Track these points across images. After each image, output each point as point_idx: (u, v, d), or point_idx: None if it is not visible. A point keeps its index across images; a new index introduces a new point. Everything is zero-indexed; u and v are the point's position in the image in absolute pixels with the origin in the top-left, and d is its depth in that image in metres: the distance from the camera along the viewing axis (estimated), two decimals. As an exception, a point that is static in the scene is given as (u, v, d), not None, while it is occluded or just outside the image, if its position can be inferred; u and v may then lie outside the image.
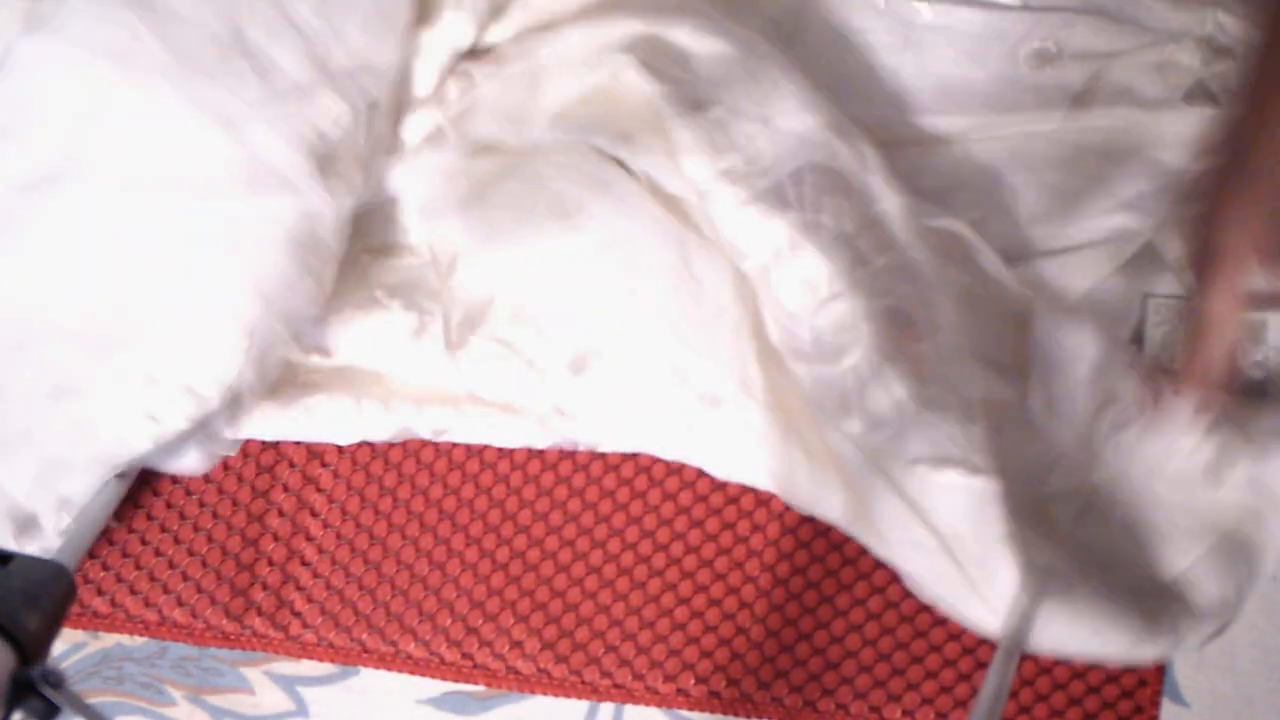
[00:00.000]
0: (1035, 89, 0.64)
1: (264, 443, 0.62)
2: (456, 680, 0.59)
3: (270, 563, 0.61)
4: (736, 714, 0.57)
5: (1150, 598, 0.53)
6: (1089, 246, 0.62)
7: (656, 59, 0.57)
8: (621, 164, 0.58)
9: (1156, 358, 0.60)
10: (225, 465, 0.61)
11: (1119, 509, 0.56)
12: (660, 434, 0.58)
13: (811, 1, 0.65)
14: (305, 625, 0.60)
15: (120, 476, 0.57)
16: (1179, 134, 0.62)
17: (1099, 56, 0.63)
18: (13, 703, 0.40)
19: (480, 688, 0.59)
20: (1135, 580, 0.54)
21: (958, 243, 0.60)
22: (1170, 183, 0.62)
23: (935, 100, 0.64)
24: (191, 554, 0.61)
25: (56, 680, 0.41)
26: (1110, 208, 0.62)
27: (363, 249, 0.62)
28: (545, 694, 0.59)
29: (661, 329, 0.57)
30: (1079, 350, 0.58)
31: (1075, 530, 0.56)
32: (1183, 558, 0.55)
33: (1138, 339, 0.62)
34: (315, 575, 0.60)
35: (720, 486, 0.59)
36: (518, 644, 0.59)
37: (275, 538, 0.61)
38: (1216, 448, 0.55)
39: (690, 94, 0.56)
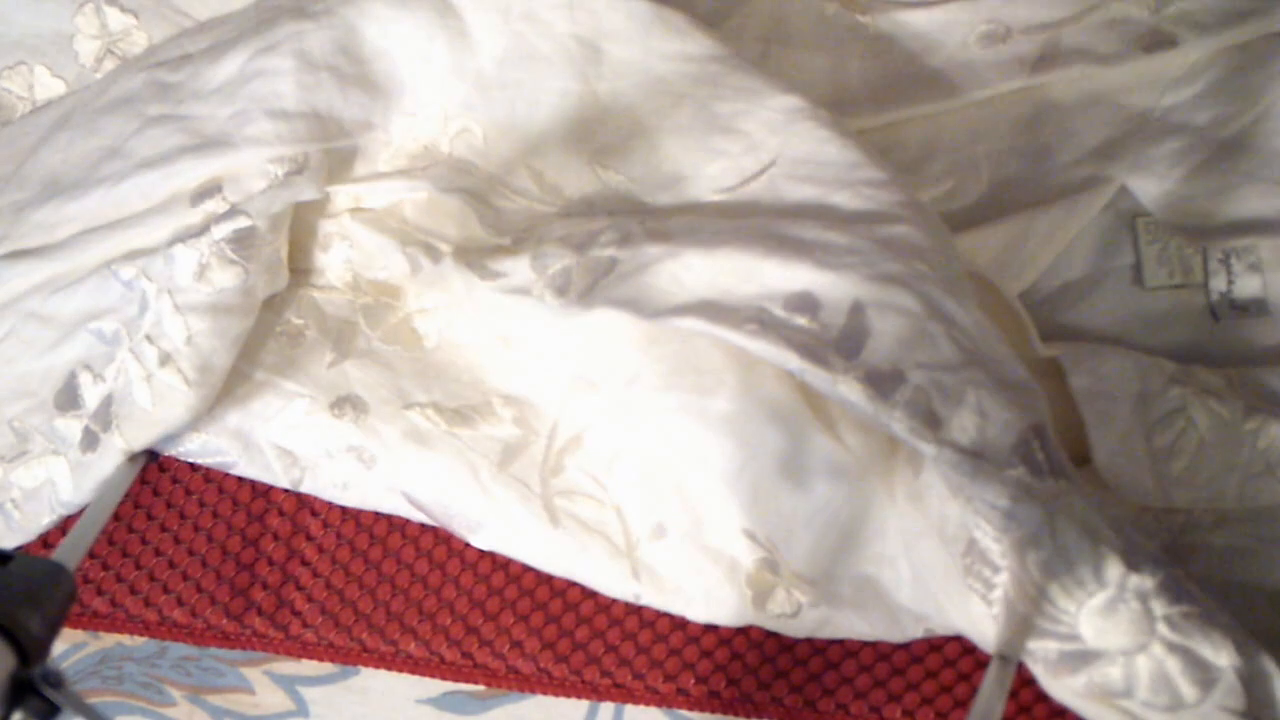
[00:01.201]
0: (993, 65, 0.65)
1: (264, 442, 0.62)
2: (456, 680, 0.59)
3: (270, 562, 0.61)
4: (736, 714, 0.57)
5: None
6: (1068, 196, 0.62)
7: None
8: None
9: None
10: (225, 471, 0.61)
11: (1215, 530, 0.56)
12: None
13: (784, 16, 0.67)
14: (305, 625, 0.60)
15: (117, 481, 0.57)
16: (1143, 77, 0.63)
17: (1048, 26, 0.64)
18: (13, 703, 0.40)
19: (480, 687, 0.59)
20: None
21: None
22: (1138, 125, 0.63)
23: (897, 90, 0.65)
24: (191, 554, 0.61)
25: (56, 680, 0.41)
26: (1079, 158, 0.64)
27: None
28: (545, 694, 0.59)
29: (738, 512, 0.55)
30: (1122, 386, 0.58)
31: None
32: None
33: (1137, 264, 0.63)
34: (315, 575, 0.60)
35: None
36: (518, 644, 0.59)
37: (275, 537, 0.61)
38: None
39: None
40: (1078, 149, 0.64)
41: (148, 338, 0.57)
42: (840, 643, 0.57)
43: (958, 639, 0.56)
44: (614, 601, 0.59)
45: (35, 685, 0.41)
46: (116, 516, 0.60)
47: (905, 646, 0.57)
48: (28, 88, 0.68)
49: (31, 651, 0.41)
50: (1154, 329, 0.62)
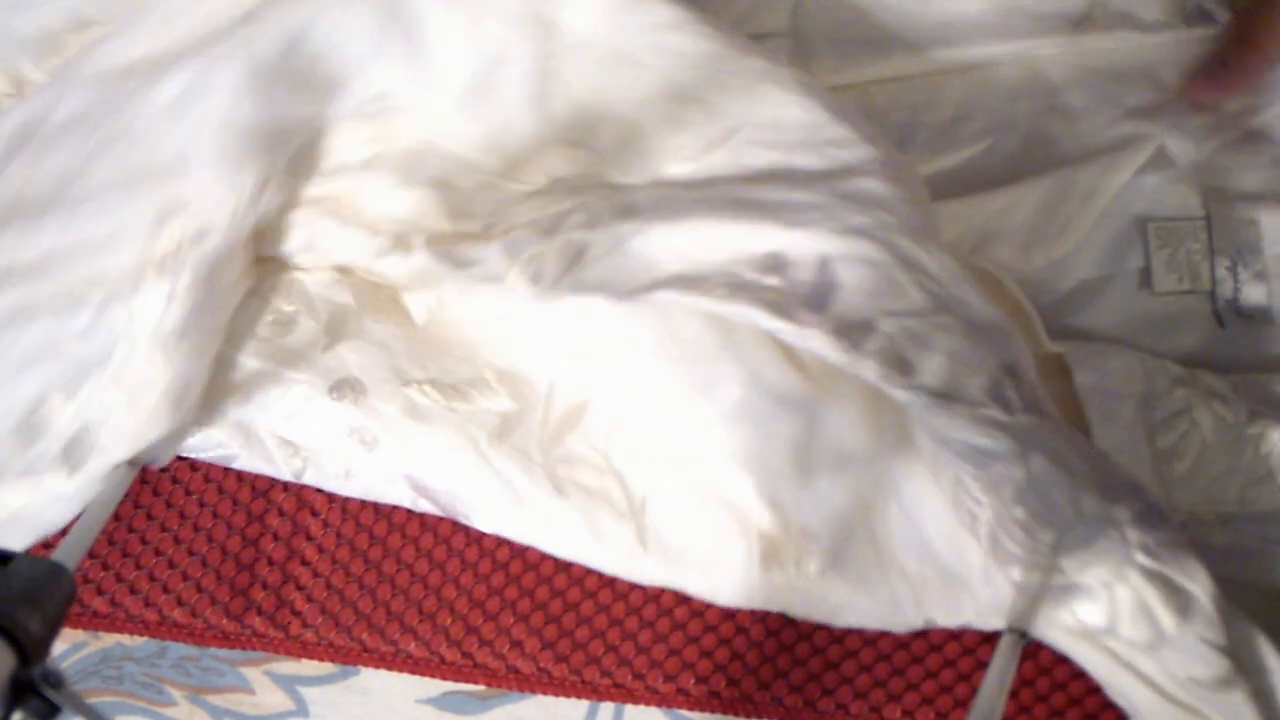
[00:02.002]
0: (1035, 17, 0.65)
1: (264, 442, 0.62)
2: (456, 680, 0.59)
3: (270, 562, 0.61)
4: (736, 714, 0.57)
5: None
6: (1107, 153, 0.63)
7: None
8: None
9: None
10: (226, 465, 0.61)
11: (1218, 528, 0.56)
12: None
13: None
14: (305, 625, 0.60)
15: (117, 481, 0.57)
16: (1180, 55, 0.64)
17: None
18: (12, 703, 0.40)
19: (480, 687, 0.59)
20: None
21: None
22: (1174, 98, 0.64)
23: (938, 35, 0.65)
24: (191, 554, 0.61)
25: (56, 680, 0.41)
26: (1117, 117, 0.64)
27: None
28: (545, 694, 0.59)
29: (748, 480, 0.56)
30: (1127, 385, 0.58)
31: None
32: None
33: (1146, 268, 0.63)
34: (315, 575, 0.60)
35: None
36: (518, 643, 0.59)
37: (275, 537, 0.61)
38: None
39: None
40: (1116, 110, 0.65)
41: (120, 362, 0.56)
42: (840, 642, 0.57)
43: (957, 639, 0.57)
44: (614, 601, 0.59)
45: (35, 685, 0.40)
46: (116, 516, 0.60)
47: (905, 646, 0.57)
48: None
49: (31, 651, 0.41)
50: (1160, 333, 0.62)
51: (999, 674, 0.48)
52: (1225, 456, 0.57)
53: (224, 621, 0.60)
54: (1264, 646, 0.49)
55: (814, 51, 0.67)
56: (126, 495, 0.59)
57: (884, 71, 0.66)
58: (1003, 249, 0.63)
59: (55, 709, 0.40)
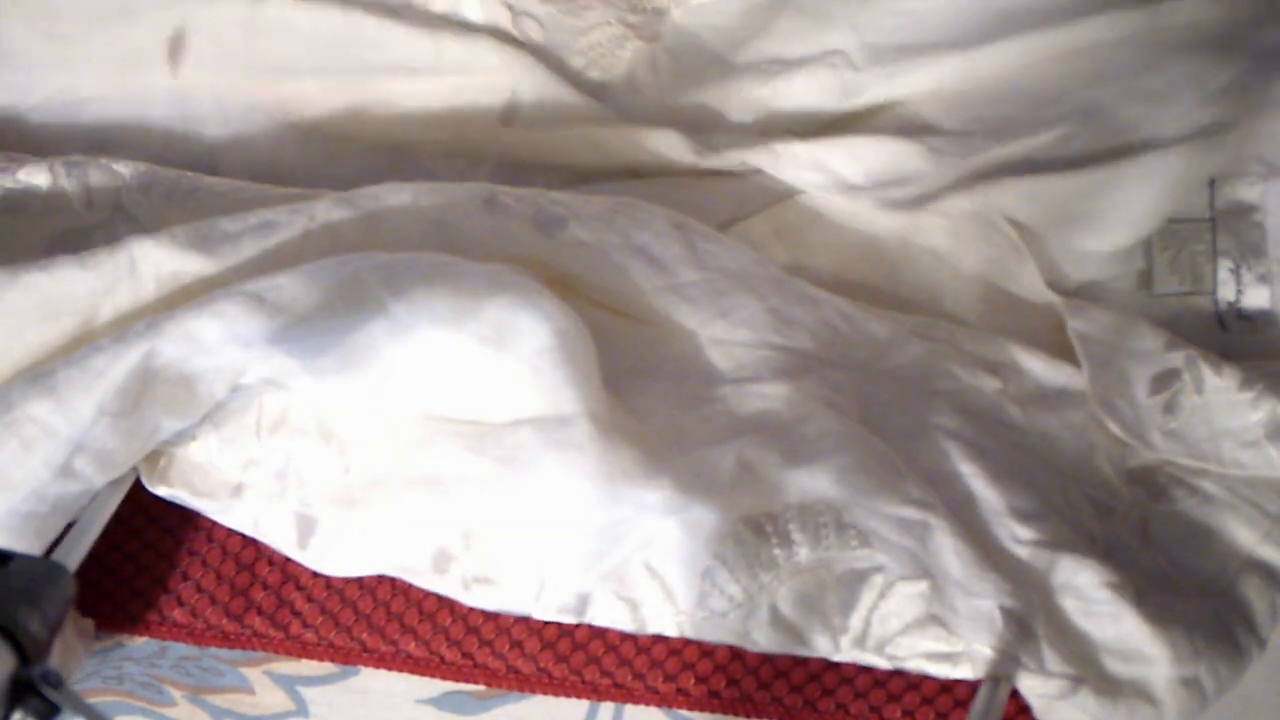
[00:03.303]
0: None
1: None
2: (457, 680, 0.59)
3: (270, 562, 0.60)
4: (736, 714, 0.57)
5: (1213, 606, 0.54)
6: (1175, 148, 0.61)
7: None
8: None
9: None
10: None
11: (1187, 495, 0.57)
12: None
13: None
14: (305, 625, 0.59)
15: (116, 482, 0.57)
16: (1259, 12, 0.61)
17: None
18: (13, 703, 0.40)
19: (480, 687, 0.59)
20: (1199, 587, 0.55)
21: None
22: (1269, 58, 0.61)
23: (1003, 24, 0.63)
24: (191, 554, 0.61)
25: (56, 680, 0.41)
26: (1200, 100, 0.61)
27: None
28: (545, 694, 0.59)
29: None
30: (1120, 339, 0.59)
31: (1146, 532, 0.56)
32: (1251, 529, 0.55)
33: (1148, 270, 0.63)
34: (315, 575, 0.60)
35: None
36: (518, 644, 0.59)
37: (275, 537, 0.61)
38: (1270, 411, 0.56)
39: None
40: (1199, 90, 0.61)
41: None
42: (840, 643, 0.57)
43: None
44: (614, 601, 0.59)
45: (35, 685, 0.41)
46: (116, 517, 0.60)
47: (905, 646, 0.57)
48: None
49: (31, 651, 0.41)
50: None
51: (993, 688, 0.49)
52: (1218, 417, 0.58)
53: (224, 621, 0.60)
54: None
55: (881, 59, 0.64)
56: (126, 496, 0.59)
57: (947, 72, 0.63)
58: (1080, 234, 0.62)
59: (55, 709, 0.40)
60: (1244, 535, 0.55)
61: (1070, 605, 0.52)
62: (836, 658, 0.53)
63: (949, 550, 0.52)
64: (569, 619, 0.55)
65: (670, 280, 0.61)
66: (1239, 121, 0.61)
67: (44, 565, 0.45)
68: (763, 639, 0.53)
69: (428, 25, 0.66)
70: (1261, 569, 0.55)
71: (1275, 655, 0.56)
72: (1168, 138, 0.61)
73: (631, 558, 0.53)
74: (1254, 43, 0.62)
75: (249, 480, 0.57)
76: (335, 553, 0.57)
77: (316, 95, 0.68)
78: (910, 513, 0.53)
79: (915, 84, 0.64)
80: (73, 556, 0.51)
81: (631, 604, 0.54)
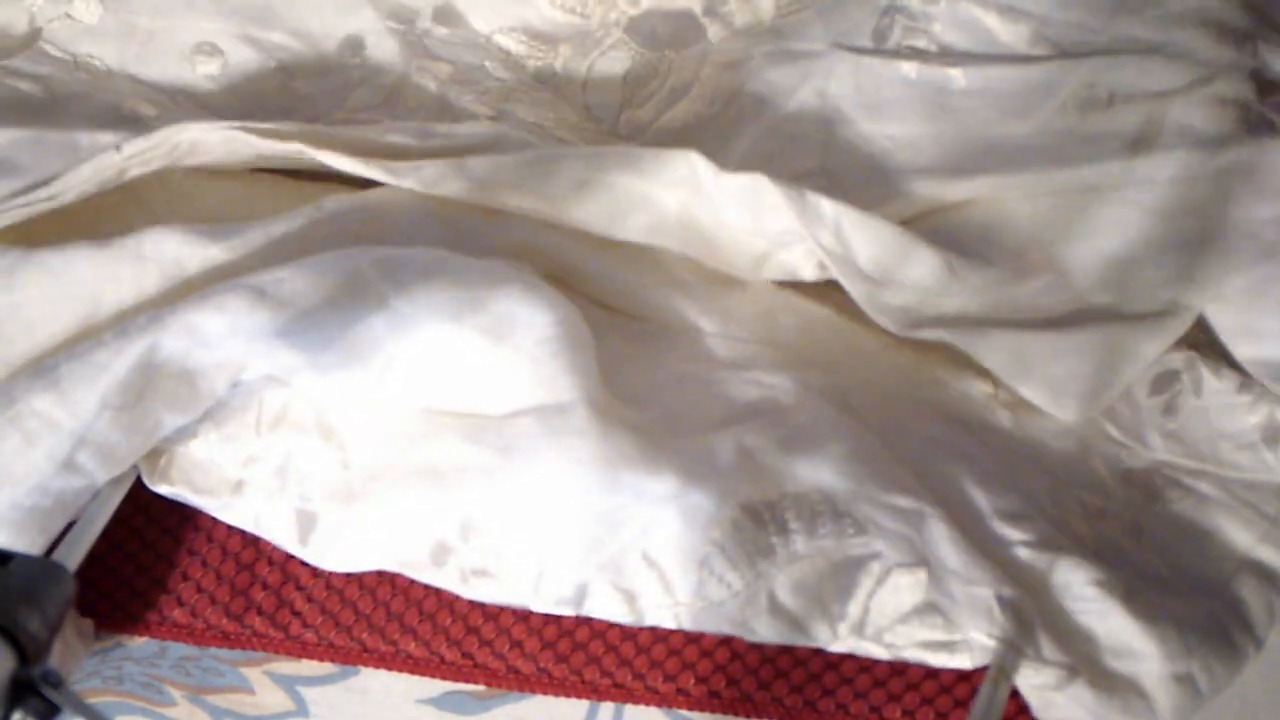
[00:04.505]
0: (1088, 138, 0.59)
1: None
2: (457, 680, 0.59)
3: (270, 562, 0.60)
4: (736, 714, 0.57)
5: (1208, 607, 0.54)
6: (1150, 320, 0.57)
7: None
8: None
9: None
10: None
11: (1183, 496, 0.57)
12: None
13: (836, 78, 0.61)
14: (305, 625, 0.60)
15: (116, 481, 0.57)
16: (1252, 165, 0.57)
17: (1153, 97, 0.58)
18: (12, 703, 0.40)
19: (480, 687, 0.59)
20: (1195, 587, 0.55)
21: None
22: (1238, 240, 0.57)
23: (980, 160, 0.60)
24: (191, 553, 0.61)
25: (56, 680, 0.41)
26: (1165, 279, 0.58)
27: None
28: (545, 694, 0.59)
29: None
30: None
31: (1141, 536, 0.56)
32: (1248, 531, 0.55)
33: None
34: (315, 575, 0.60)
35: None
36: (518, 643, 0.59)
37: (275, 537, 0.61)
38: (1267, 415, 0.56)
39: None
40: (1163, 269, 0.57)
41: None
42: (840, 643, 0.57)
43: (958, 639, 0.57)
44: (614, 601, 0.59)
45: (35, 685, 0.41)
46: (116, 516, 0.60)
47: (905, 646, 0.57)
48: None
49: (31, 652, 0.41)
50: None
51: (993, 688, 0.49)
52: (1216, 419, 0.57)
53: (224, 621, 0.60)
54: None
55: (848, 189, 0.60)
56: (126, 495, 0.59)
57: (920, 205, 0.60)
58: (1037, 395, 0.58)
59: (55, 709, 0.40)
60: (1241, 536, 0.55)
61: (1064, 603, 0.52)
62: (834, 646, 0.53)
63: (944, 539, 0.52)
64: (567, 611, 0.55)
65: (668, 275, 0.61)
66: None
67: (44, 565, 0.45)
68: (761, 627, 0.53)
69: None
70: (1258, 570, 0.55)
71: (1273, 655, 0.56)
72: (1128, 313, 0.58)
73: (629, 547, 0.53)
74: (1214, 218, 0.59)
75: (249, 477, 0.57)
76: (336, 548, 0.57)
77: None
78: (905, 501, 0.53)
79: (890, 214, 0.60)
80: (73, 557, 0.51)
81: (629, 595, 0.54)
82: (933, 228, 0.59)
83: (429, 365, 0.54)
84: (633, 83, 0.63)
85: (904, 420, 0.58)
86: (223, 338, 0.54)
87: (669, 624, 0.54)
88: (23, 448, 0.53)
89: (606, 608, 0.54)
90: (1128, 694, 0.51)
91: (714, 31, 0.62)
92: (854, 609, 0.52)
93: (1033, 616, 0.51)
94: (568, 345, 0.54)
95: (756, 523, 0.52)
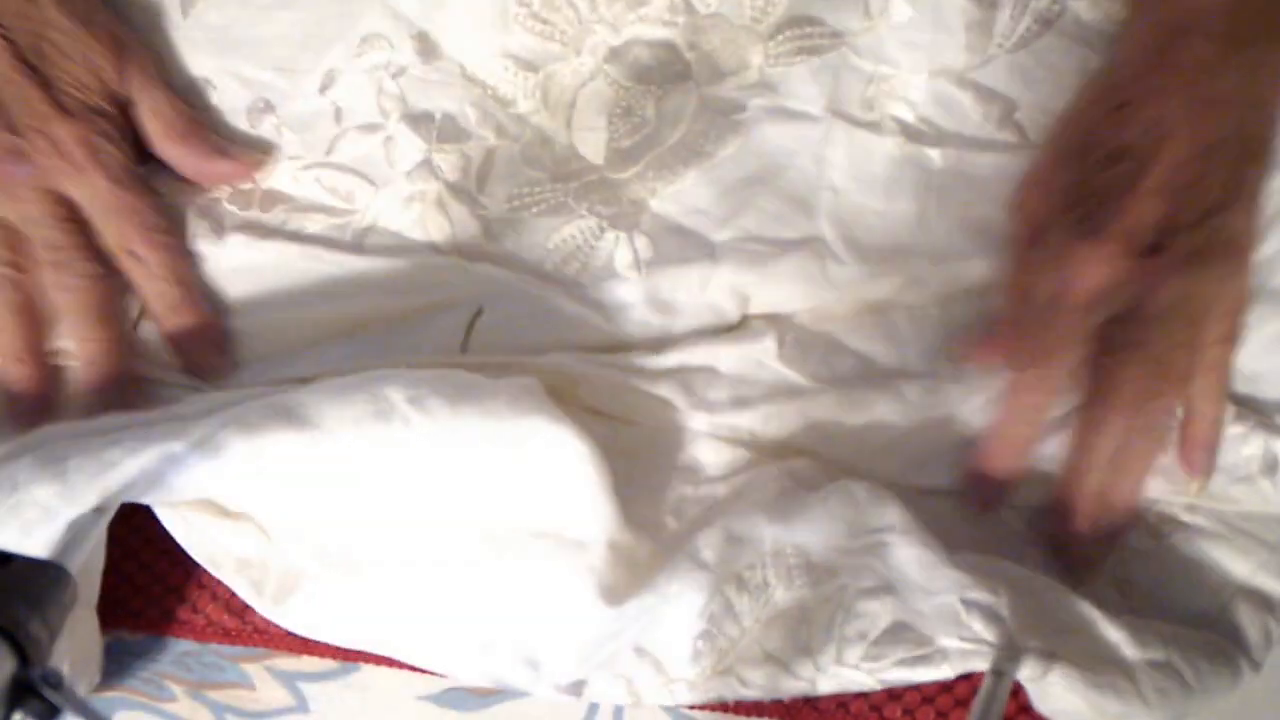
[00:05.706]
0: None
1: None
2: (457, 677, 0.59)
3: (271, 559, 0.60)
4: (737, 713, 0.57)
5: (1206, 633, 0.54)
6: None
7: None
8: None
9: None
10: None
11: (1176, 530, 0.56)
12: None
13: (832, 145, 0.60)
14: (306, 622, 0.60)
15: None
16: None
17: None
18: (13, 704, 0.40)
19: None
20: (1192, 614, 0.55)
21: None
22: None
23: (969, 243, 0.59)
24: (192, 550, 0.61)
25: (56, 680, 0.41)
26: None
27: None
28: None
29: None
30: None
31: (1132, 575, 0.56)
32: (1245, 560, 0.55)
33: None
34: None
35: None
36: (518, 641, 0.59)
37: (276, 534, 0.61)
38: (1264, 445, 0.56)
39: None
40: None
41: None
42: (840, 642, 0.57)
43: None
44: (614, 599, 0.59)
45: (35, 686, 0.41)
46: (118, 514, 0.60)
47: (905, 646, 0.57)
48: None
49: (31, 652, 0.41)
50: None
51: (993, 688, 0.49)
52: None
53: (225, 617, 0.60)
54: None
55: (840, 259, 0.59)
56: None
57: (914, 275, 0.59)
58: None
59: (55, 709, 0.41)
60: (1238, 566, 0.55)
61: (1041, 596, 0.53)
62: (821, 682, 0.53)
63: (909, 560, 0.52)
64: (568, 697, 0.57)
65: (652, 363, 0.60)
66: None
67: (44, 566, 0.45)
68: (752, 677, 0.53)
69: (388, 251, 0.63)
70: (1255, 596, 0.54)
71: (1273, 655, 0.56)
72: None
73: (624, 646, 0.55)
74: None
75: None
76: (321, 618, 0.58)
77: None
78: (872, 539, 0.53)
79: (890, 289, 0.60)
80: (73, 557, 0.51)
81: (626, 679, 0.55)
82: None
83: (454, 488, 0.55)
84: (617, 118, 0.63)
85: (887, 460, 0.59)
86: (243, 461, 0.53)
87: (666, 702, 0.55)
88: (18, 538, 0.52)
89: (606, 693, 0.56)
90: (1115, 676, 0.50)
91: (699, 70, 0.62)
92: (832, 641, 0.53)
93: (1001, 611, 0.51)
94: (592, 481, 0.54)
95: (741, 588, 0.53)
